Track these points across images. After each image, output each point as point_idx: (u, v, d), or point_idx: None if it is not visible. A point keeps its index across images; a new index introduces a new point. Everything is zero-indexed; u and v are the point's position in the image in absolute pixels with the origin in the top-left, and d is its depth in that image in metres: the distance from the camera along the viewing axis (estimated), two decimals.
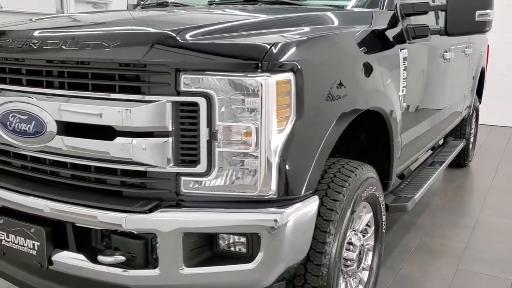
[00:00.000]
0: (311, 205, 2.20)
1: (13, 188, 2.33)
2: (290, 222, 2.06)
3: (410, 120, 3.48)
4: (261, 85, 1.98)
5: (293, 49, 2.09)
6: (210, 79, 2.00)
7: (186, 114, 2.05)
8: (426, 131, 4.03)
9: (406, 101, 3.29)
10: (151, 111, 2.03)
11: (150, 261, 2.15)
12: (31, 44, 2.26)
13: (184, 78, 2.01)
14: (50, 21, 2.82)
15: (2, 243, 2.37)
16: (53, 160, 2.28)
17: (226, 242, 2.16)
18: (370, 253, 2.99)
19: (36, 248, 2.26)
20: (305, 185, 2.17)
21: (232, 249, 2.16)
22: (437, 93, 4.25)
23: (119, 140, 2.08)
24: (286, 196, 2.10)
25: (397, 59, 3.09)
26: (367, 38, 2.78)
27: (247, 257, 2.12)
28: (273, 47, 2.02)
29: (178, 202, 2.12)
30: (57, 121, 2.18)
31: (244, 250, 2.14)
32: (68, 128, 2.18)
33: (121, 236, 2.17)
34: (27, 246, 2.28)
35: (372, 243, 2.99)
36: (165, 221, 2.05)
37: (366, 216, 2.84)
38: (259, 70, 1.99)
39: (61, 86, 2.21)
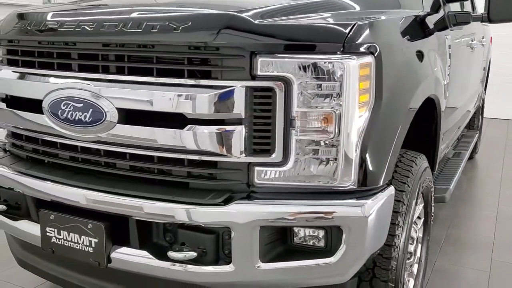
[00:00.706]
0: (390, 196, 2.10)
1: (64, 182, 2.17)
2: (373, 214, 1.95)
3: (448, 110, 3.41)
4: (345, 68, 1.86)
5: (372, 31, 1.98)
6: (289, 62, 1.88)
7: (260, 100, 1.93)
8: (457, 121, 3.97)
9: (448, 90, 3.21)
10: (224, 97, 1.90)
11: (220, 257, 2.02)
12: (85, 26, 2.10)
13: (260, 61, 1.88)
14: (102, 2, 2.65)
15: (52, 240, 2.21)
16: (109, 151, 2.13)
17: (301, 236, 2.04)
18: (419, 245, 2.91)
19: (93, 245, 2.11)
20: (383, 175, 2.07)
21: (307, 243, 2.04)
22: (465, 82, 4.20)
23: (190, 128, 1.94)
24: (365, 186, 2.00)
25: (444, 46, 3.01)
26: (423, 23, 2.68)
27: (325, 251, 2.01)
28: (354, 28, 1.91)
29: (249, 193, 1.99)
30: (119, 109, 2.02)
31: (321, 243, 2.02)
32: (130, 117, 2.03)
33: (188, 230, 2.03)
34: (82, 243, 2.13)
35: (421, 235, 2.91)
36: (242, 214, 1.92)
37: (419, 207, 2.76)
38: (340, 53, 1.88)
39: (119, 71, 2.06)
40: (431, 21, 2.89)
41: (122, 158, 2.12)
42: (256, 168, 1.96)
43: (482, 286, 3.35)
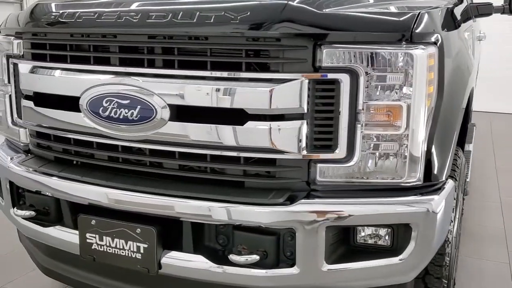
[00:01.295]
0: (451, 190, 2.04)
1: (108, 184, 2.03)
2: (441, 209, 1.89)
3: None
4: (414, 58, 1.78)
5: (433, 20, 1.92)
6: (355, 53, 1.79)
7: (323, 94, 1.83)
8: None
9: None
10: (287, 91, 1.80)
11: (281, 259, 1.92)
12: (128, 17, 1.96)
13: (326, 52, 1.79)
14: None
15: (93, 247, 2.07)
16: (157, 150, 2.00)
17: (365, 235, 1.96)
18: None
19: (142, 251, 1.98)
20: (446, 169, 2.00)
21: (370, 242, 1.96)
22: (474, 75, 4.19)
23: (250, 125, 1.83)
24: (429, 182, 1.93)
25: (472, 37, 2.98)
26: (457, 13, 2.63)
27: (390, 250, 1.93)
28: (419, 17, 1.83)
29: (310, 192, 1.90)
30: (171, 106, 1.89)
31: (385, 242, 1.94)
32: (183, 114, 1.91)
33: (246, 232, 1.92)
34: (129, 249, 2.00)
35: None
36: (308, 214, 1.83)
37: (463, 201, 2.72)
38: (407, 43, 1.80)
39: (168, 65, 1.93)
40: (458, 12, 2.85)
41: (170, 157, 1.99)
42: (319, 165, 1.87)
43: (505, 278, 3.35)
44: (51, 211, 2.28)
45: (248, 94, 1.81)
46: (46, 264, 2.53)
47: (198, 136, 1.90)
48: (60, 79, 2.11)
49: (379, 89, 1.81)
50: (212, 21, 1.84)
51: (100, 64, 2.03)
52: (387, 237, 1.94)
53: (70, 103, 2.10)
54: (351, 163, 1.86)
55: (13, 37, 2.36)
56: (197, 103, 1.87)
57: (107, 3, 2.11)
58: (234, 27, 1.82)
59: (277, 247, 1.91)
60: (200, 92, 1.86)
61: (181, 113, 1.91)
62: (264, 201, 1.84)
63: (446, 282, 2.23)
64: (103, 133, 2.03)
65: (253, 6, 1.86)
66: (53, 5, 2.21)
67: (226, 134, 1.87)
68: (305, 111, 1.82)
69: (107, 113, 1.98)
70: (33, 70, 2.21)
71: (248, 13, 1.82)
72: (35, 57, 2.25)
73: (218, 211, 1.86)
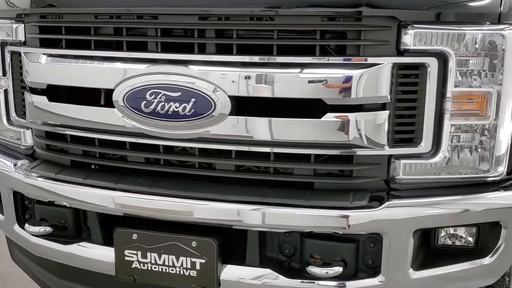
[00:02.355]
0: None
1: (150, 191, 1.73)
2: None
3: None
4: (506, 39, 1.61)
5: None
6: (445, 34, 1.59)
7: (407, 80, 1.64)
8: None
9: None
10: (371, 77, 1.58)
11: (360, 269, 1.71)
12: None
13: (413, 34, 1.58)
14: None
15: (133, 266, 1.76)
16: (212, 149, 1.72)
17: (446, 236, 1.78)
18: None
19: (198, 267, 1.70)
20: None
21: (453, 243, 1.78)
22: None
23: (330, 116, 1.59)
24: (509, 175, 1.77)
25: None
26: None
27: (474, 251, 1.77)
28: None
29: (389, 191, 1.70)
30: (232, 98, 1.62)
31: (468, 242, 1.77)
32: (246, 106, 1.64)
33: (318, 240, 1.70)
34: (181, 266, 1.72)
35: None
36: (399, 217, 1.62)
37: None
38: (496, 23, 1.63)
39: (224, 51, 1.66)
40: None
41: (226, 156, 1.72)
42: (402, 162, 1.67)
43: None
44: (69, 225, 1.94)
45: (327, 82, 1.58)
46: (57, 286, 2.17)
47: (263, 132, 1.64)
48: (85, 70, 1.78)
49: (468, 74, 1.62)
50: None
51: (139, 51, 1.72)
52: (472, 237, 1.77)
53: (97, 97, 1.78)
54: (437, 157, 1.67)
55: (10, 21, 1.98)
56: (263, 94, 1.61)
57: None
58: (308, 5, 1.58)
59: (356, 256, 1.69)
60: (268, 81, 1.60)
61: (244, 106, 1.64)
62: (345, 204, 1.62)
63: (508, 279, 2.10)
64: (144, 131, 1.73)
65: None
66: None
67: (298, 128, 1.63)
68: (389, 100, 1.61)
69: (151, 108, 1.68)
70: (45, 60, 1.85)
71: None
72: (45, 44, 1.89)
73: (294, 218, 1.62)
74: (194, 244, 1.68)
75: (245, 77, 1.61)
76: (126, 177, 1.80)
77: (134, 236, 1.74)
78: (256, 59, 1.62)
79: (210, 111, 1.64)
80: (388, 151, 1.65)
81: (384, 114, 1.61)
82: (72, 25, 1.83)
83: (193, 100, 1.64)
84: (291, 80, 1.59)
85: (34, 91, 1.91)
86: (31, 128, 2.01)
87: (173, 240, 1.70)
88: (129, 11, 1.72)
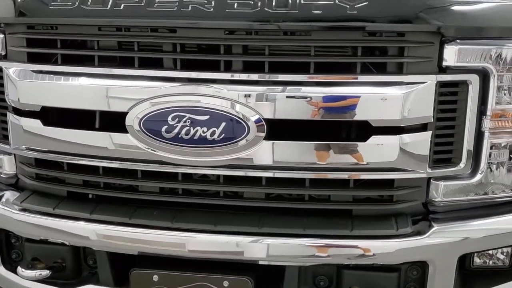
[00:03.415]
0: None
1: (173, 226, 1.55)
2: None
3: None
4: None
5: None
6: (487, 50, 1.52)
7: (447, 98, 1.55)
8: None
9: None
10: (416, 97, 1.49)
11: None
12: (197, 6, 1.48)
13: (457, 50, 1.50)
14: None
15: None
16: (239, 177, 1.56)
17: (484, 256, 1.71)
18: None
19: None
20: None
21: (488, 263, 1.72)
22: None
23: (375, 140, 1.48)
24: None
25: None
26: None
27: (509, 271, 1.72)
28: None
29: (427, 214, 1.62)
30: (268, 121, 1.47)
31: (503, 262, 1.72)
32: (283, 129, 1.50)
33: (357, 270, 1.58)
34: None
35: None
36: (446, 243, 1.54)
37: None
38: None
39: (255, 68, 1.50)
40: None
41: (255, 184, 1.57)
42: (441, 183, 1.59)
43: None
44: (67, 264, 1.71)
45: (373, 102, 1.46)
46: None
47: (301, 157, 1.50)
48: (90, 90, 1.56)
49: (509, 91, 1.56)
50: (318, 11, 1.45)
51: (155, 68, 1.53)
52: (506, 256, 1.72)
53: (104, 120, 1.57)
54: (476, 177, 1.60)
55: None
56: (303, 116, 1.47)
57: None
58: (349, 19, 1.45)
59: (398, 285, 1.59)
60: (308, 102, 1.46)
61: (280, 129, 1.49)
62: (391, 232, 1.51)
63: None
64: (164, 159, 1.53)
65: None
66: None
67: (340, 152, 1.50)
68: (432, 120, 1.52)
69: (174, 133, 1.49)
70: (37, 77, 1.61)
71: (366, 2, 1.45)
72: (35, 59, 1.65)
73: (341, 250, 1.49)
74: (226, 284, 1.52)
75: (282, 98, 1.46)
76: (140, 210, 1.60)
77: (155, 278, 1.54)
78: (293, 78, 1.47)
79: (243, 135, 1.47)
80: (428, 173, 1.56)
81: (427, 135, 1.53)
82: (71, 38, 1.60)
83: (223, 124, 1.47)
84: (335, 102, 1.46)
85: (20, 112, 1.66)
86: (14, 154, 1.75)
87: (202, 280, 1.53)
88: (145, 24, 1.52)
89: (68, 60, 1.61)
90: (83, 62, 1.60)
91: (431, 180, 1.59)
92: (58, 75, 1.60)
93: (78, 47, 1.61)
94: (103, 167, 1.62)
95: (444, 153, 1.59)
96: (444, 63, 1.50)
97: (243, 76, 1.48)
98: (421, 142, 1.52)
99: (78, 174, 1.66)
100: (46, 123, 1.62)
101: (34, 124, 1.63)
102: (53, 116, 1.62)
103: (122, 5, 1.51)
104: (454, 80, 1.53)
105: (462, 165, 1.58)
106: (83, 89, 1.56)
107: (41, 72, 1.61)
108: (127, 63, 1.56)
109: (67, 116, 1.61)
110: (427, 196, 1.60)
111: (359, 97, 1.45)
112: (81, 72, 1.58)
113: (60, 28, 1.60)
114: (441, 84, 1.52)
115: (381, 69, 1.51)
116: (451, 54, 1.50)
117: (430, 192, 1.60)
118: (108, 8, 1.52)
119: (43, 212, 1.64)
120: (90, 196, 1.71)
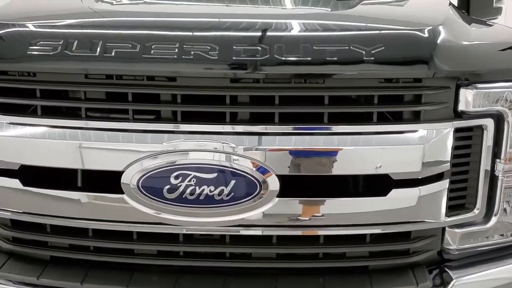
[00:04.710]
0: None
1: None
2: None
3: None
4: None
5: None
6: (504, 93, 1.47)
7: (462, 143, 1.48)
8: None
9: None
10: (435, 145, 1.41)
11: None
12: (199, 52, 1.34)
13: (473, 94, 1.43)
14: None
15: None
16: (247, 236, 1.43)
17: None
18: None
19: None
20: None
21: None
22: None
23: (395, 193, 1.39)
24: None
25: None
26: None
27: None
28: None
29: (442, 263, 1.55)
30: (282, 177, 1.35)
31: None
32: (297, 186, 1.38)
33: None
34: None
35: None
36: None
37: None
38: None
39: (265, 119, 1.38)
40: None
41: (266, 243, 1.44)
42: (456, 231, 1.52)
43: None
44: None
45: (394, 154, 1.37)
46: None
47: (317, 214, 1.39)
48: (79, 147, 1.38)
49: None
50: (333, 57, 1.34)
51: (155, 121, 1.37)
52: None
53: (98, 180, 1.40)
54: (491, 222, 1.54)
55: None
56: (319, 171, 1.36)
57: (152, 23, 1.43)
58: (366, 65, 1.35)
59: None
60: (325, 155, 1.35)
61: (295, 185, 1.37)
62: None
63: None
64: (166, 221, 1.38)
65: (389, 37, 1.40)
66: (46, 25, 1.45)
67: (357, 208, 1.40)
68: (448, 168, 1.44)
69: (177, 193, 1.34)
70: (11, 131, 1.42)
71: (383, 48, 1.36)
72: (6, 109, 1.45)
73: None
74: None
75: (296, 151, 1.35)
76: (138, 276, 1.44)
77: None
78: (307, 129, 1.36)
79: (255, 193, 1.35)
80: (445, 222, 1.49)
81: (445, 183, 1.46)
82: (52, 87, 1.42)
83: (233, 181, 1.34)
84: (352, 155, 1.36)
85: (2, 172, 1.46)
86: None
87: None
88: (140, 71, 1.36)
89: (50, 112, 1.43)
90: (68, 114, 1.42)
91: (446, 228, 1.52)
92: (38, 128, 1.41)
93: (61, 97, 1.43)
94: (93, 229, 1.45)
95: (458, 199, 1.52)
96: (460, 108, 1.44)
97: (253, 128, 1.36)
98: (439, 191, 1.45)
99: (63, 237, 1.48)
100: (26, 183, 1.43)
101: (11, 184, 1.44)
102: (34, 175, 1.43)
103: (114, 51, 1.35)
104: (470, 126, 1.46)
105: (476, 210, 1.52)
106: (69, 145, 1.38)
107: (18, 125, 1.42)
108: (119, 115, 1.39)
109: (50, 175, 1.43)
110: (442, 244, 1.53)
111: (379, 148, 1.36)
112: (66, 126, 1.40)
113: (39, 75, 1.42)
114: (456, 130, 1.44)
115: (397, 117, 1.42)
116: (467, 98, 1.43)
117: (445, 240, 1.53)
118: (97, 54, 1.35)
119: (24, 282, 1.45)
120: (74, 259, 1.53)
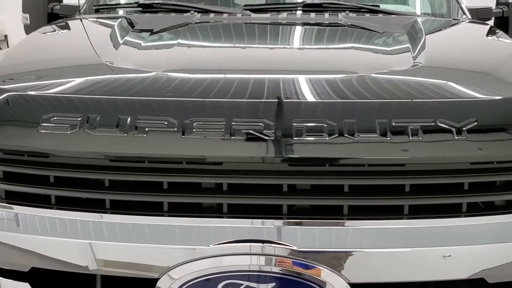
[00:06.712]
0: None
1: None
2: None
3: None
4: None
5: None
6: None
7: None
8: None
9: None
10: None
11: None
12: (251, 131, 1.08)
13: None
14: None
15: None
16: None
17: None
18: None
19: None
20: None
21: None
22: None
23: None
24: None
25: None
26: None
27: None
28: None
29: None
30: (355, 285, 1.09)
31: None
32: None
33: None
34: None
35: None
36: None
37: None
38: None
39: (334, 214, 1.12)
40: None
41: None
42: None
43: None
44: None
45: (489, 252, 1.11)
46: None
47: None
48: (102, 247, 1.12)
49: None
50: (416, 136, 1.08)
51: (197, 216, 1.12)
52: None
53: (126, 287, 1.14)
54: None
55: None
56: (404, 276, 1.10)
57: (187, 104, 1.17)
58: (457, 144, 1.10)
59: None
60: (408, 258, 1.09)
61: None
62: None
63: None
64: None
65: (483, 104, 1.15)
66: (60, 92, 1.20)
67: None
68: None
69: None
70: (19, 225, 1.16)
71: (476, 122, 1.11)
72: (13, 197, 1.20)
73: None
74: None
75: (373, 254, 1.09)
76: None
77: None
78: (386, 224, 1.10)
79: None
80: None
81: None
82: (68, 174, 1.16)
83: None
84: (438, 256, 1.10)
85: (3, 272, 1.20)
86: None
87: None
88: (179, 155, 1.11)
89: (64, 202, 1.17)
90: (87, 206, 1.16)
91: None
92: (52, 222, 1.15)
93: (79, 186, 1.17)
94: None
95: None
96: None
97: (321, 224, 1.10)
98: None
99: None
100: (35, 286, 1.17)
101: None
102: (46, 279, 1.17)
103: (147, 130, 1.10)
104: None
105: None
106: (89, 246, 1.12)
107: (28, 216, 1.17)
108: (151, 208, 1.13)
109: (65, 280, 1.17)
110: None
111: (475, 247, 1.10)
112: (85, 220, 1.14)
113: (52, 158, 1.16)
114: None
115: (488, 208, 1.17)
116: None
117: None
118: (126, 134, 1.10)
119: None
120: None
